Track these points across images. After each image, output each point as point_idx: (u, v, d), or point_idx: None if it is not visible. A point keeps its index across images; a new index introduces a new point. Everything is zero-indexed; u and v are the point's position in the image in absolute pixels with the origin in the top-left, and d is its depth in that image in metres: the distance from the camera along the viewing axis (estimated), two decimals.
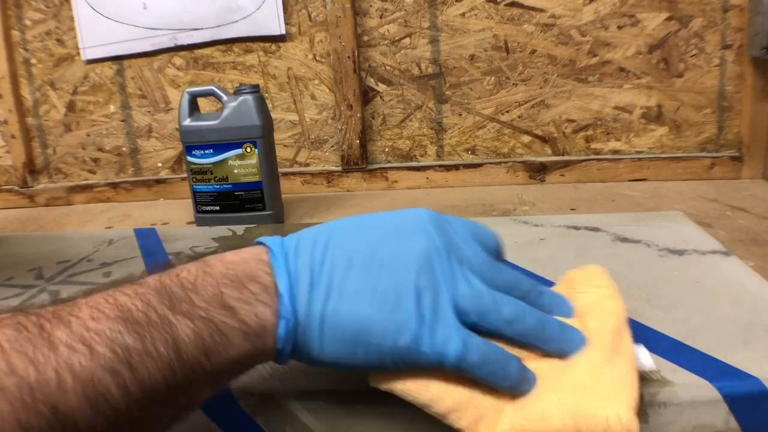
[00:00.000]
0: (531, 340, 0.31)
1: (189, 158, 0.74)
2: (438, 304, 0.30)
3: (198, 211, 0.76)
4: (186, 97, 0.72)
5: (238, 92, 0.72)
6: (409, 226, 0.32)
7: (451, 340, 0.29)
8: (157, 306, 0.28)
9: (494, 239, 0.34)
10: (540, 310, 0.32)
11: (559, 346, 0.31)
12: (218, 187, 0.74)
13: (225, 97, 0.72)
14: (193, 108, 0.73)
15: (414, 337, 0.29)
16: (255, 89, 0.73)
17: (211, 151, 0.72)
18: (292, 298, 0.30)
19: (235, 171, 0.73)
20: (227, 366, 0.29)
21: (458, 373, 0.29)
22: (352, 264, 0.31)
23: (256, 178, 0.73)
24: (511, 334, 0.30)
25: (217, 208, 0.75)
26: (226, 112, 0.72)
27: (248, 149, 0.72)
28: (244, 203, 0.74)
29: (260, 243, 0.33)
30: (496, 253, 0.34)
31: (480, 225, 0.34)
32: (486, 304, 0.30)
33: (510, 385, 0.29)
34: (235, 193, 0.74)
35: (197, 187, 0.75)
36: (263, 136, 0.72)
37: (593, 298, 0.34)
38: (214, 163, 0.73)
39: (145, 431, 0.28)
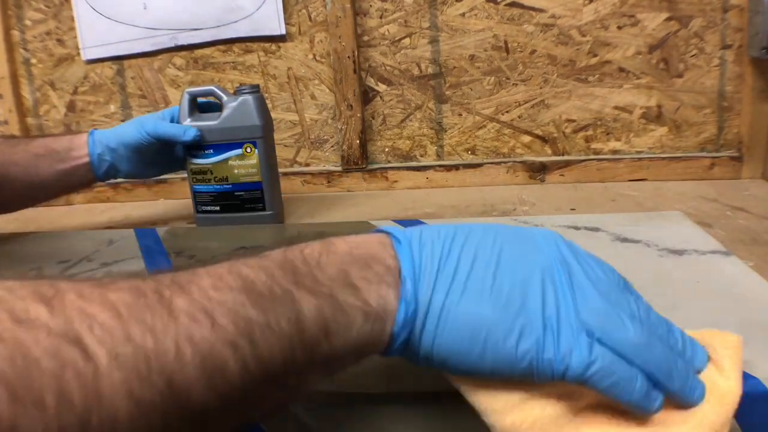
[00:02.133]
0: (654, 371, 0.28)
1: (189, 158, 0.74)
2: (562, 313, 0.29)
3: (198, 211, 0.76)
4: (186, 97, 0.72)
5: (238, 92, 0.72)
6: (539, 237, 0.32)
7: (576, 348, 0.28)
8: (282, 280, 0.27)
9: (617, 272, 0.33)
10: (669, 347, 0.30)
11: (680, 388, 0.29)
12: (218, 187, 0.74)
13: (225, 97, 0.72)
14: (193, 108, 0.72)
15: (537, 342, 0.28)
16: (255, 89, 0.73)
17: (211, 151, 0.72)
18: (415, 283, 0.29)
19: (236, 171, 0.73)
20: (343, 350, 0.28)
21: (580, 384, 0.28)
22: (477, 261, 0.30)
23: (256, 179, 0.73)
24: (635, 359, 0.28)
25: (217, 208, 0.75)
26: (226, 112, 0.71)
27: (248, 149, 0.72)
28: (244, 203, 0.74)
29: (381, 231, 0.33)
30: (621, 284, 0.32)
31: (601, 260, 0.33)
32: (613, 322, 0.28)
33: (633, 401, 0.28)
34: (235, 193, 0.74)
35: (197, 187, 0.75)
36: (263, 136, 0.72)
37: (725, 367, 0.31)
38: (214, 164, 0.73)
39: (253, 414, 0.27)
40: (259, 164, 0.73)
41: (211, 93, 0.73)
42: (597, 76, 0.86)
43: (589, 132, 0.89)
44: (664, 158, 0.86)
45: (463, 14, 0.87)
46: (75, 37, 0.95)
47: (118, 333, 0.22)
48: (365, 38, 0.90)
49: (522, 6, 0.85)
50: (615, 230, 0.60)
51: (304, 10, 0.90)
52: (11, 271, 0.60)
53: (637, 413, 0.28)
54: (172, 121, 0.73)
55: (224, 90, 0.73)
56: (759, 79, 0.80)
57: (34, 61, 0.98)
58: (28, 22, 0.97)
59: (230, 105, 0.72)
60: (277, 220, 0.76)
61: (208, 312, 0.24)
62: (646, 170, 0.86)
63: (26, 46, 0.98)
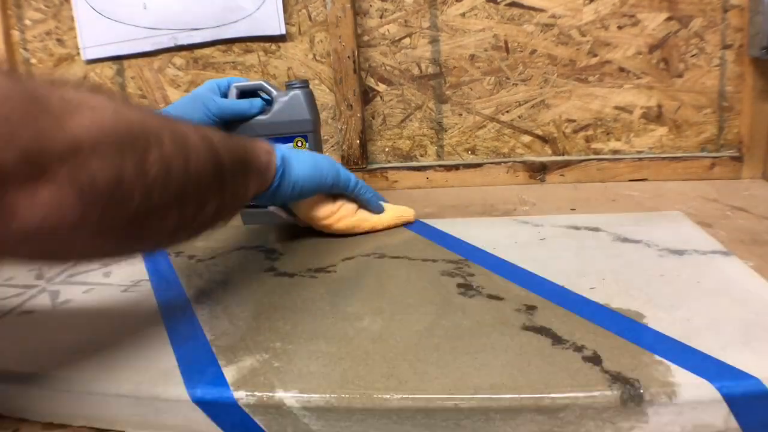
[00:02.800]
0: (369, 197, 0.66)
1: None
2: (343, 170, 0.63)
3: (244, 207, 0.76)
4: (234, 91, 0.72)
5: (288, 87, 0.73)
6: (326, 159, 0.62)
7: (354, 177, 0.64)
8: (226, 138, 0.46)
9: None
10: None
11: (376, 203, 0.67)
12: None
13: (275, 92, 0.73)
14: None
15: (341, 172, 0.62)
16: (305, 84, 0.73)
17: None
18: (283, 155, 0.55)
19: None
20: (257, 173, 0.51)
21: (353, 194, 0.64)
22: (302, 159, 0.58)
23: None
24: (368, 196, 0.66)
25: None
26: (276, 106, 0.72)
27: (299, 143, 0.72)
28: None
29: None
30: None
31: None
32: (363, 183, 0.65)
33: (374, 206, 0.66)
34: None
35: None
36: (313, 131, 0.73)
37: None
38: None
39: (205, 215, 0.43)
40: None
41: (260, 88, 0.73)
42: (597, 76, 0.86)
43: (590, 132, 0.89)
44: (664, 158, 0.86)
45: (463, 14, 0.87)
46: (75, 37, 0.95)
47: (161, 119, 0.39)
48: (365, 38, 0.90)
49: (522, 6, 0.85)
50: (615, 230, 0.60)
51: (304, 10, 0.90)
52: (11, 270, 0.60)
53: (372, 210, 0.67)
54: (224, 94, 0.72)
55: (273, 85, 0.73)
56: (759, 79, 0.80)
57: (34, 61, 0.98)
58: (28, 22, 0.97)
59: (281, 100, 0.72)
60: None
61: (197, 132, 0.42)
62: (647, 170, 0.86)
63: (26, 46, 0.98)
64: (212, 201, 0.43)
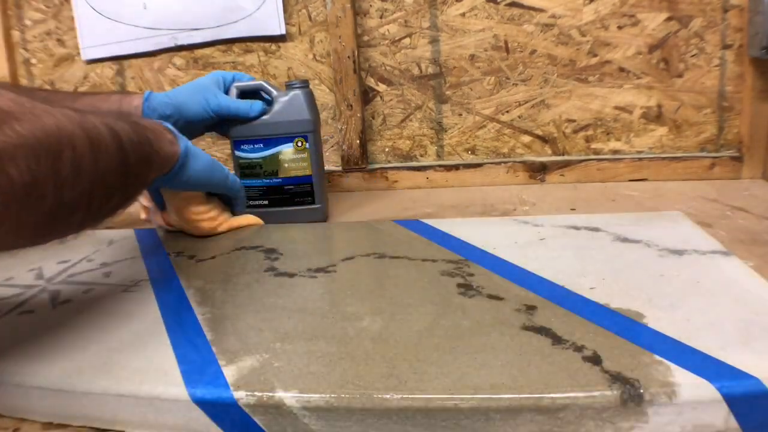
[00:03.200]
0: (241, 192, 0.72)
1: (237, 153, 0.74)
2: (234, 176, 0.70)
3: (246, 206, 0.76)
4: (234, 91, 0.72)
5: (288, 87, 0.73)
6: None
7: (231, 176, 0.68)
8: (127, 122, 0.50)
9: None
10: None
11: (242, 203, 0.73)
12: (267, 181, 0.74)
13: (275, 92, 0.73)
14: None
15: (230, 175, 0.68)
16: (305, 84, 0.74)
17: (261, 145, 0.73)
18: (185, 143, 0.60)
19: (286, 165, 0.74)
20: (160, 158, 0.55)
21: (228, 193, 0.70)
22: (203, 157, 0.64)
23: (306, 172, 0.74)
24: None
25: (266, 202, 0.75)
26: (276, 106, 0.73)
27: (299, 143, 0.73)
28: (293, 197, 0.75)
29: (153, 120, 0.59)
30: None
31: None
32: (241, 185, 0.72)
33: (241, 208, 0.72)
34: (285, 188, 0.74)
35: (245, 181, 0.75)
36: (313, 131, 0.74)
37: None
38: (264, 158, 0.74)
39: (109, 204, 0.47)
40: (310, 158, 0.74)
41: (260, 88, 0.73)
42: (597, 76, 0.86)
43: (589, 132, 0.89)
44: (664, 158, 0.86)
45: (463, 14, 0.87)
46: (75, 37, 0.95)
47: (77, 120, 0.42)
48: (365, 38, 0.90)
49: (522, 6, 0.85)
50: (615, 230, 0.60)
51: (304, 10, 0.90)
52: (11, 271, 0.60)
53: (238, 211, 0.72)
54: (226, 90, 0.73)
55: (273, 85, 0.74)
56: (759, 79, 0.80)
57: (34, 61, 0.98)
58: (28, 22, 0.97)
59: (281, 100, 0.73)
60: (324, 213, 0.77)
61: (108, 131, 0.45)
62: (646, 170, 0.86)
63: (26, 46, 0.98)
64: (117, 194, 0.48)
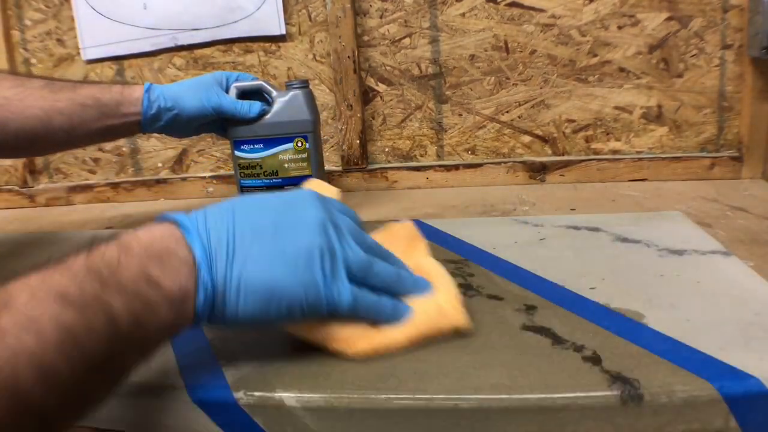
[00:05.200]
0: (392, 286, 0.41)
1: (237, 153, 0.74)
2: (335, 267, 0.37)
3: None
4: (234, 91, 0.72)
5: (288, 87, 0.74)
6: (302, 201, 0.39)
7: (344, 294, 0.37)
8: (90, 285, 0.30)
9: (354, 213, 0.43)
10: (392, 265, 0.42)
11: (411, 291, 0.42)
12: (267, 181, 0.75)
13: (274, 92, 0.73)
14: None
15: (319, 293, 0.36)
16: (305, 84, 0.74)
17: (261, 145, 0.73)
18: (209, 267, 0.35)
19: (286, 165, 0.74)
20: (155, 334, 0.33)
21: (350, 315, 0.38)
22: (259, 232, 0.36)
23: (306, 172, 0.74)
24: (380, 285, 0.40)
25: None
26: (276, 106, 0.73)
27: (299, 143, 0.73)
28: None
29: (167, 219, 0.37)
30: (358, 222, 0.42)
31: (341, 202, 0.44)
32: (367, 268, 0.39)
33: (386, 319, 0.40)
34: (285, 188, 0.75)
35: (245, 181, 0.75)
36: (313, 131, 0.74)
37: (419, 256, 0.48)
38: (264, 158, 0.74)
39: (87, 402, 0.31)
40: (310, 158, 0.74)
41: (260, 88, 0.73)
42: (597, 76, 0.86)
43: (589, 132, 0.89)
44: (664, 158, 0.86)
45: (463, 14, 0.87)
46: (75, 37, 0.95)
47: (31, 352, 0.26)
48: (365, 38, 0.90)
49: (522, 6, 0.85)
50: (615, 230, 0.60)
51: (304, 10, 0.90)
52: (11, 271, 0.60)
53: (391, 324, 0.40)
54: (227, 89, 0.72)
55: (273, 85, 0.74)
56: (759, 79, 0.80)
57: (34, 61, 0.98)
58: (28, 22, 0.97)
59: (280, 100, 0.73)
60: None
61: (31, 327, 0.27)
62: (646, 170, 0.86)
63: (26, 46, 0.98)
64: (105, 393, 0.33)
